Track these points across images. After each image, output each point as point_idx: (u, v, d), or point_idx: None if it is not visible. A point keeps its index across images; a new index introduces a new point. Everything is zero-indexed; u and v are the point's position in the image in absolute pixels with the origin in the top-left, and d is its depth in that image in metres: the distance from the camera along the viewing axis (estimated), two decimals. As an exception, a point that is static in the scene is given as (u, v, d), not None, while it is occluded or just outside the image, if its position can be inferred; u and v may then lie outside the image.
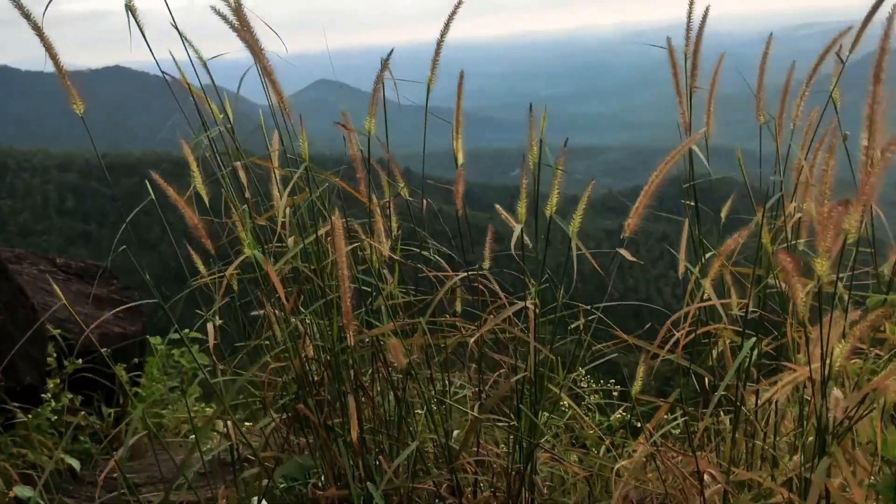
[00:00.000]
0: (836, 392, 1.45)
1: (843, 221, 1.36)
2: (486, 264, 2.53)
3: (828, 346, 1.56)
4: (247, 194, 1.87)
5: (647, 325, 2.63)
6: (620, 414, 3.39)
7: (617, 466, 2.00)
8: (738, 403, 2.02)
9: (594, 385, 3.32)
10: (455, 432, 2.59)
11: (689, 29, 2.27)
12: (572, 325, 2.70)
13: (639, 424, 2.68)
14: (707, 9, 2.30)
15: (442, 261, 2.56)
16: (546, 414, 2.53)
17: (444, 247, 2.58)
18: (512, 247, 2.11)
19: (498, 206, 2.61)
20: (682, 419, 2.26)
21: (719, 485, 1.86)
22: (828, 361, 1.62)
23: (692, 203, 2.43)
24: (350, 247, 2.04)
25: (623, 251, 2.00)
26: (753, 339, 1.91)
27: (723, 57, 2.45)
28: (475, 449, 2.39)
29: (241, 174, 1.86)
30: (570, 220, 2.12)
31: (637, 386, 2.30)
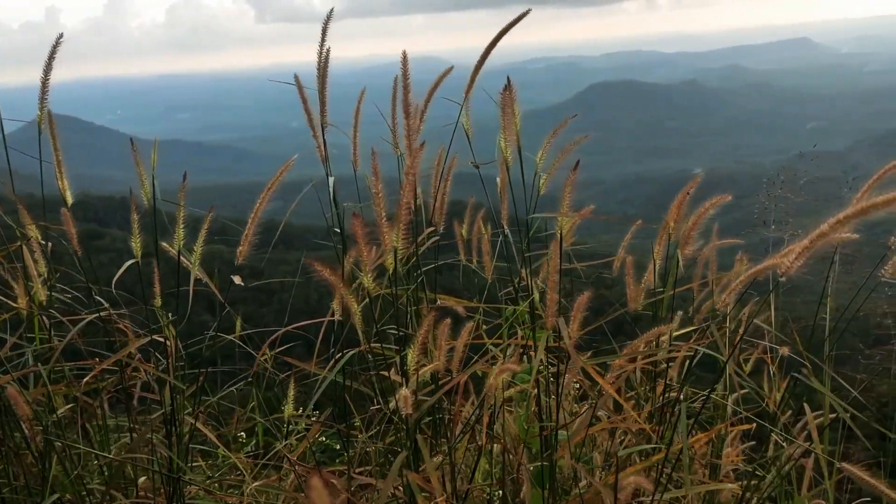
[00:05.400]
0: (404, 391, 1.59)
1: (390, 237, 1.52)
2: (158, 302, 2.49)
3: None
4: None
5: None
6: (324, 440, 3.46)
7: (249, 489, 2.03)
8: (378, 408, 2.15)
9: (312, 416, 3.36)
10: (142, 479, 2.51)
11: (319, 67, 2.35)
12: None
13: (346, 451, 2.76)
14: (328, 49, 2.35)
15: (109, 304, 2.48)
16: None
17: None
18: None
19: (164, 244, 2.56)
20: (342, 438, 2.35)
21: (344, 494, 1.96)
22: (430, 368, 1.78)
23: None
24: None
25: (235, 277, 2.05)
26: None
27: (364, 91, 2.61)
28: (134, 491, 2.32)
29: None
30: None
31: (289, 408, 2.36)
